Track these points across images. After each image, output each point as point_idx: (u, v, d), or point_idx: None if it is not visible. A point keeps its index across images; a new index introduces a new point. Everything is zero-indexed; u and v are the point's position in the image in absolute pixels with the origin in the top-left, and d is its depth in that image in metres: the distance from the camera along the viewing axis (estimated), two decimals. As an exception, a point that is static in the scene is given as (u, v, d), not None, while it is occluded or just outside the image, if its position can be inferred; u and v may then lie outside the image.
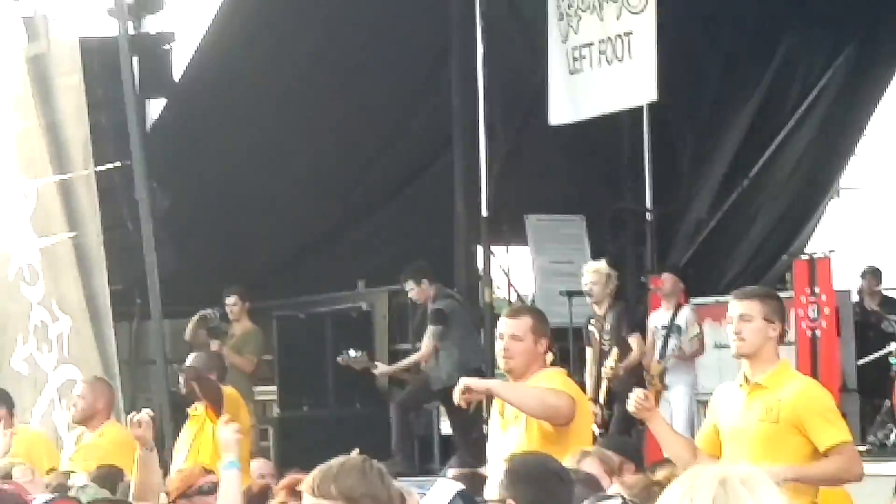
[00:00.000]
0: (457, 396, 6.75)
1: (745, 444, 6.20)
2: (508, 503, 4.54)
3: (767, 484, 2.43)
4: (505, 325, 6.86)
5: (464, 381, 6.63)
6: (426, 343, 13.36)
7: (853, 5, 16.91)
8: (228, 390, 9.67)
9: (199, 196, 15.00)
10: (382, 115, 15.88)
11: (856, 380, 12.90)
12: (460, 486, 6.02)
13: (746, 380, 6.29)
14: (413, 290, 13.68)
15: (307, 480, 3.90)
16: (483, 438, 14.91)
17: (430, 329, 13.36)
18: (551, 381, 6.69)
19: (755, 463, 5.97)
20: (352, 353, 13.50)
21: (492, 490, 4.65)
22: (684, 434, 11.61)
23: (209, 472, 7.06)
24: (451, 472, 6.73)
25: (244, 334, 14.11)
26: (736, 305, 6.33)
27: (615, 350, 11.72)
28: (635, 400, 6.36)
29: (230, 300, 14.18)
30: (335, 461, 3.93)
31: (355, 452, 4.28)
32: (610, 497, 4.78)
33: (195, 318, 13.90)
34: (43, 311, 12.99)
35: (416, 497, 4.96)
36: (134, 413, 7.84)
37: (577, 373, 12.07)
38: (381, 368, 13.73)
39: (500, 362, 6.91)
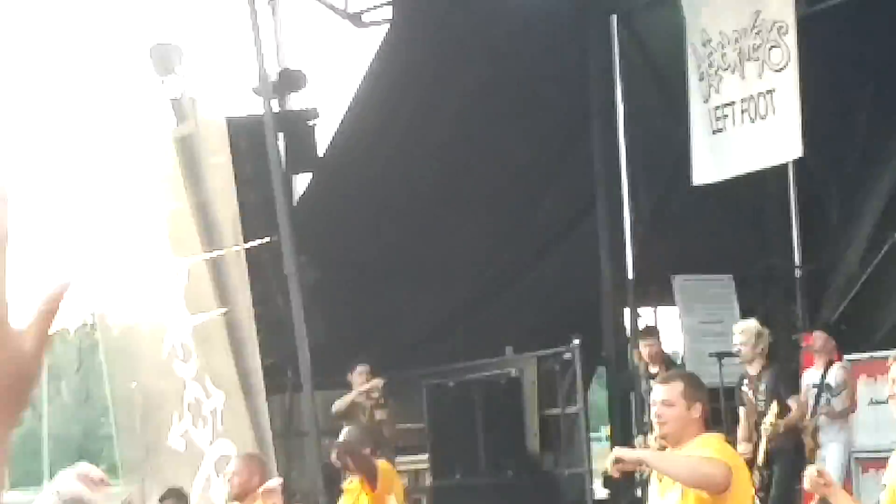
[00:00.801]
0: (609, 466, 6.71)
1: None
2: None
3: None
4: (657, 392, 6.82)
5: (616, 452, 6.58)
6: None
7: None
8: (383, 464, 9.71)
9: (347, 268, 15.16)
10: (526, 182, 15.94)
11: None
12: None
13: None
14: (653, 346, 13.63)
15: None
16: (636, 502, 14.87)
17: None
18: (707, 447, 6.61)
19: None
20: None
21: None
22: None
23: None
24: None
25: None
26: (892, 369, 6.22)
27: (774, 404, 11.55)
28: (810, 478, 6.26)
29: (361, 368, 14.24)
30: None
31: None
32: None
33: (363, 389, 13.95)
34: (197, 387, 13.18)
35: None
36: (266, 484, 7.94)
37: (729, 433, 11.92)
38: None
39: (655, 429, 6.86)
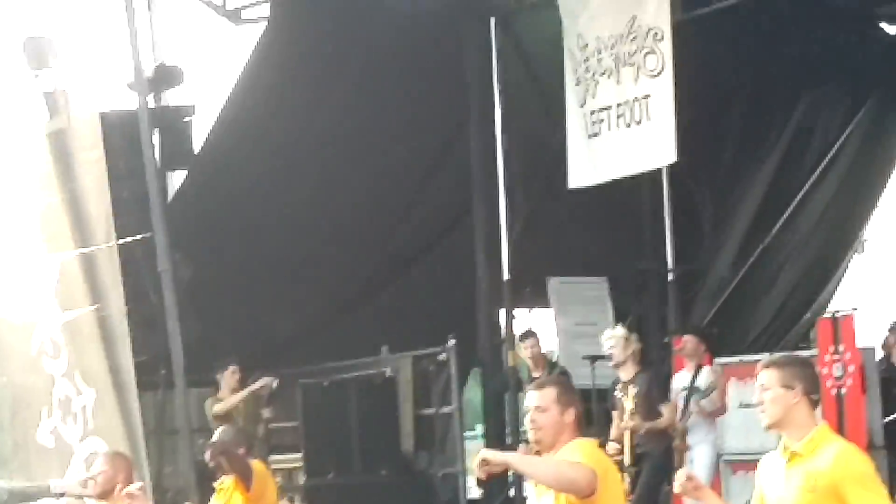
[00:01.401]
0: (475, 468, 6.72)
1: (789, 514, 6.15)
2: None
3: None
4: (531, 398, 6.85)
5: (482, 454, 6.57)
6: None
7: (870, 60, 16.96)
8: (257, 464, 9.67)
9: (222, 265, 15.06)
10: (403, 182, 15.94)
11: (882, 437, 12.83)
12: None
13: (785, 448, 6.24)
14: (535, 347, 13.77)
15: None
16: (509, 502, 14.94)
17: None
18: (575, 452, 6.66)
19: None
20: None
21: None
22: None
23: None
24: None
25: None
26: (759, 376, 6.30)
27: (630, 403, 11.67)
28: (679, 481, 6.33)
29: (234, 368, 14.20)
30: None
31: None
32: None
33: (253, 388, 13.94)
34: (67, 383, 12.98)
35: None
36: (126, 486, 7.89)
37: (601, 434, 12.04)
38: None
39: (529, 435, 6.90)
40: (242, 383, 14.18)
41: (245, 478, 9.26)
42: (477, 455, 6.73)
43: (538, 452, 6.89)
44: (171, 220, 12.68)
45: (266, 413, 13.96)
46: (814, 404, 6.22)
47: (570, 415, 6.76)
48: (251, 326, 15.45)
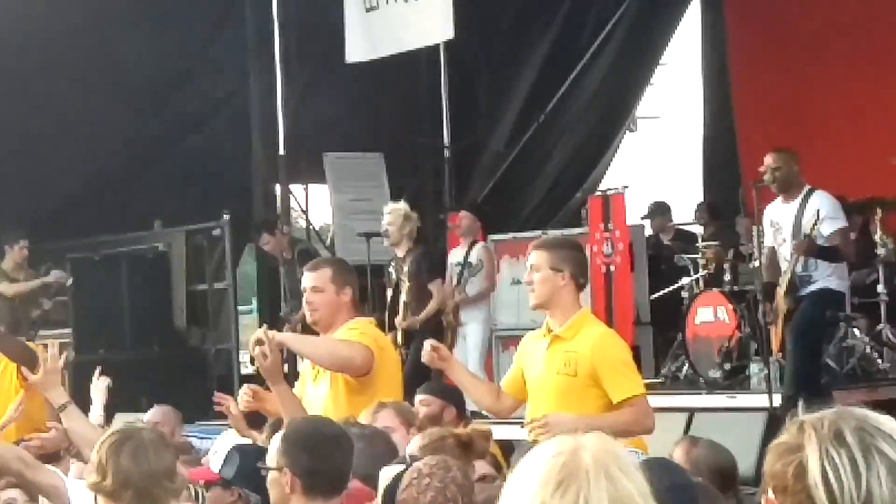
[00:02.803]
0: (250, 347, 6.66)
1: (546, 394, 6.26)
2: (284, 471, 4.52)
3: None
4: (306, 279, 6.81)
5: (258, 333, 6.48)
6: None
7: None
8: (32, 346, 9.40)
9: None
10: (178, 50, 15.54)
11: (650, 313, 13.14)
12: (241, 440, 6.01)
13: (548, 329, 6.33)
14: (269, 241, 13.64)
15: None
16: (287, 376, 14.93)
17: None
18: (350, 332, 6.65)
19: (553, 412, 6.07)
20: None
21: (270, 456, 4.62)
22: (478, 369, 11.79)
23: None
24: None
25: None
26: (529, 256, 6.37)
27: (403, 297, 11.74)
28: (427, 353, 6.37)
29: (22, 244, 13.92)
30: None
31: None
32: (397, 464, 4.79)
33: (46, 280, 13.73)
34: None
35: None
36: None
37: (375, 310, 12.08)
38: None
39: (306, 315, 6.87)
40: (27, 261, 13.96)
41: (24, 362, 8.80)
42: (252, 333, 6.67)
43: (316, 333, 6.87)
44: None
45: (46, 304, 13.68)
46: (580, 287, 6.34)
47: (347, 294, 6.75)
48: (21, 196, 14.97)
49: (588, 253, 12.75)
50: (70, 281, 13.79)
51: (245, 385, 6.95)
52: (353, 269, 7.09)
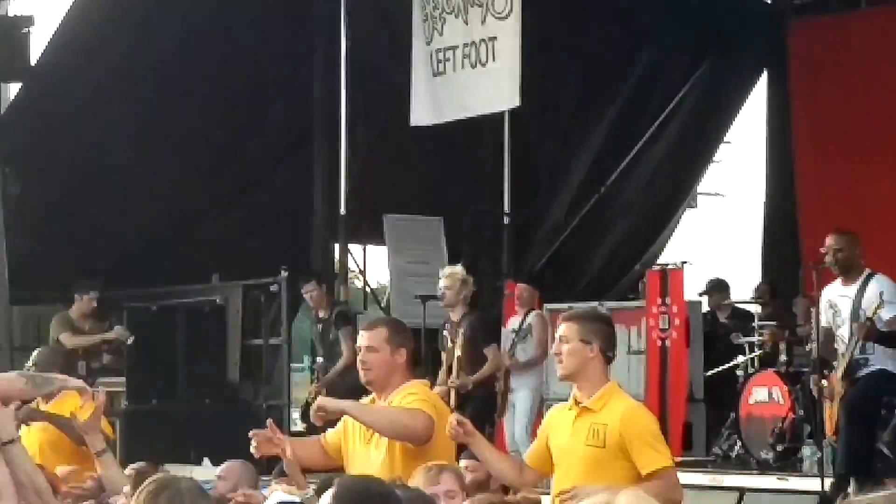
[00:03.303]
0: (313, 415, 6.66)
1: (574, 465, 6.25)
2: None
3: None
4: (361, 338, 6.79)
5: (319, 401, 6.50)
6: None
7: (711, 18, 17.18)
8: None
9: (54, 183, 14.75)
10: (243, 109, 15.72)
11: (703, 390, 13.06)
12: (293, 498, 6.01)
13: (576, 402, 6.33)
14: (314, 291, 13.65)
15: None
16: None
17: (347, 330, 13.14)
18: (410, 396, 6.60)
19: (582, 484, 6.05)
20: None
21: None
22: (524, 436, 11.76)
23: None
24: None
25: None
26: (559, 327, 6.39)
27: (457, 360, 11.73)
28: (450, 425, 6.34)
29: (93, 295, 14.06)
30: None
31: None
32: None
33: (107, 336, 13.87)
34: None
35: None
36: None
37: (431, 373, 12.07)
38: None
39: (361, 375, 6.83)
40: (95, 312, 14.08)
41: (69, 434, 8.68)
42: (307, 387, 6.69)
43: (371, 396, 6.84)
44: (4, 133, 12.37)
45: (105, 358, 13.78)
46: (608, 361, 6.34)
47: (402, 355, 6.71)
48: (81, 246, 15.12)
49: (644, 327, 12.80)
50: (131, 339, 13.88)
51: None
52: (409, 331, 7.06)
